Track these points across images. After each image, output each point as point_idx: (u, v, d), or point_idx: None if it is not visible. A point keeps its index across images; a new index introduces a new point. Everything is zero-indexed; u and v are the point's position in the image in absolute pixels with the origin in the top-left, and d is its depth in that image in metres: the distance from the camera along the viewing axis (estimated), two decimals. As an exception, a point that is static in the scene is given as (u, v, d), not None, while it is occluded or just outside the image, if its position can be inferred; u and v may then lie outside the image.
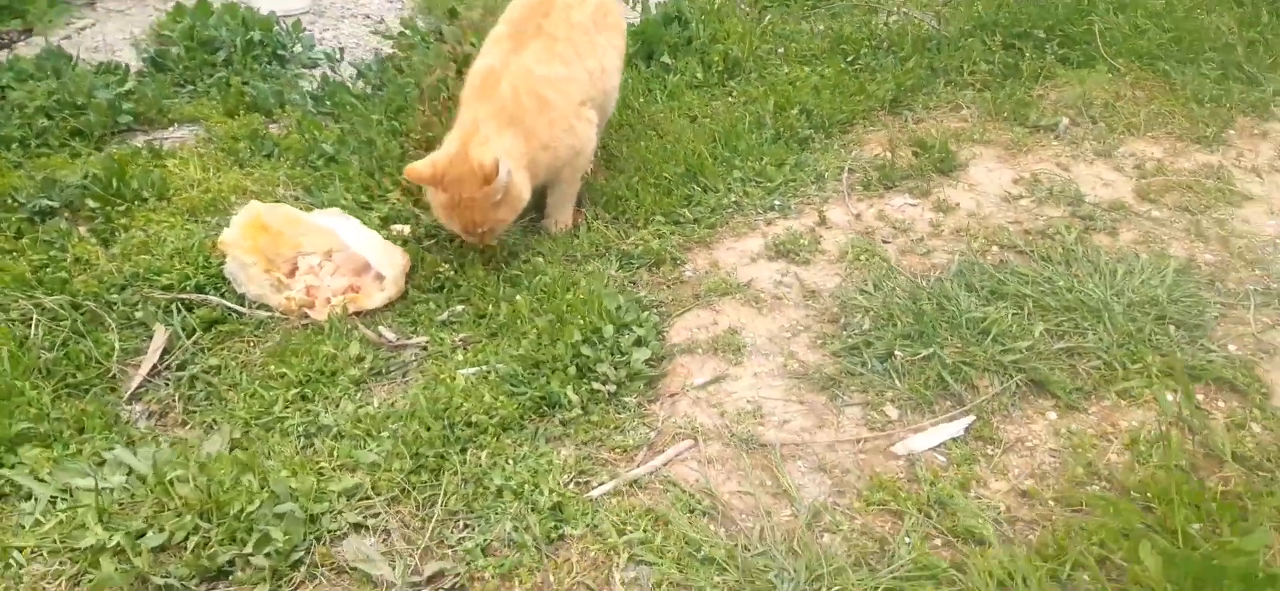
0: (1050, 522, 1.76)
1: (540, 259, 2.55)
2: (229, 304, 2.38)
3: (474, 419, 2.00)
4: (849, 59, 3.67)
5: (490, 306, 2.38)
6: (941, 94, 3.46)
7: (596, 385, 2.11)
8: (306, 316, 2.38)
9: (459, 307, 2.42)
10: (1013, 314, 2.24)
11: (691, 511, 1.80)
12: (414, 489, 1.86)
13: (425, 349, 2.28)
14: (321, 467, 1.89)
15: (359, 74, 3.67)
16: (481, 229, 2.41)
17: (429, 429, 1.97)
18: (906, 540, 1.72)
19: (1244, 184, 2.84)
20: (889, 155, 3.00)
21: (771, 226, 2.71)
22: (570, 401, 2.06)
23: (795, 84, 3.45)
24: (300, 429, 2.01)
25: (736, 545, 1.72)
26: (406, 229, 2.68)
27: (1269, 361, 2.13)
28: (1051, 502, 1.81)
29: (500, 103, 2.49)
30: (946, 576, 1.64)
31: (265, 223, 2.48)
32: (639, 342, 2.21)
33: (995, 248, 2.57)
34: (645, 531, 1.76)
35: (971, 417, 1.99)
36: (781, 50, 3.81)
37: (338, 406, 2.07)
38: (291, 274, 2.47)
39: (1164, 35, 3.69)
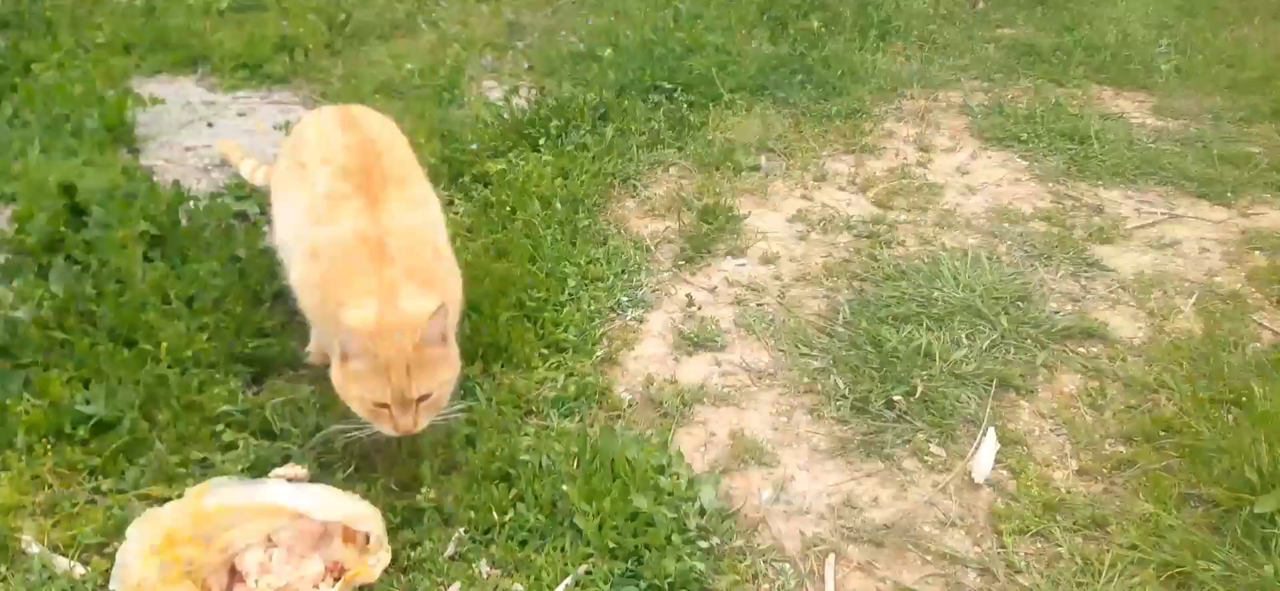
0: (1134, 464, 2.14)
1: (472, 427, 2.22)
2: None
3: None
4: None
5: (499, 511, 2.02)
6: (643, 158, 3.65)
7: (702, 543, 1.96)
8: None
9: (461, 532, 2.01)
10: (926, 331, 2.58)
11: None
12: None
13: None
14: None
15: None
16: (419, 396, 1.92)
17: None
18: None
19: (931, 175, 3.56)
20: (678, 225, 3.15)
21: (651, 334, 2.69)
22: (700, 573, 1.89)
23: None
24: None
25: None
26: (301, 469, 2.10)
27: (1099, 307, 2.78)
28: (1108, 462, 2.19)
29: (399, 263, 2.07)
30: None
31: (175, 533, 1.77)
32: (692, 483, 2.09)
33: (837, 280, 2.89)
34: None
35: (992, 429, 2.29)
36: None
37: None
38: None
39: (752, 67, 4.37)
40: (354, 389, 1.93)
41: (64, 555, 1.88)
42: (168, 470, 2.08)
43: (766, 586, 1.89)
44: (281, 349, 2.48)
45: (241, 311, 2.56)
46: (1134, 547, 1.92)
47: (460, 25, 5.47)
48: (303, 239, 2.23)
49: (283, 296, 2.65)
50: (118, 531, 1.92)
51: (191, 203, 3.03)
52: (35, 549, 1.89)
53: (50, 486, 2.04)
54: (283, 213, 2.40)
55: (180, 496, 1.94)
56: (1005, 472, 2.16)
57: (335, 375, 1.97)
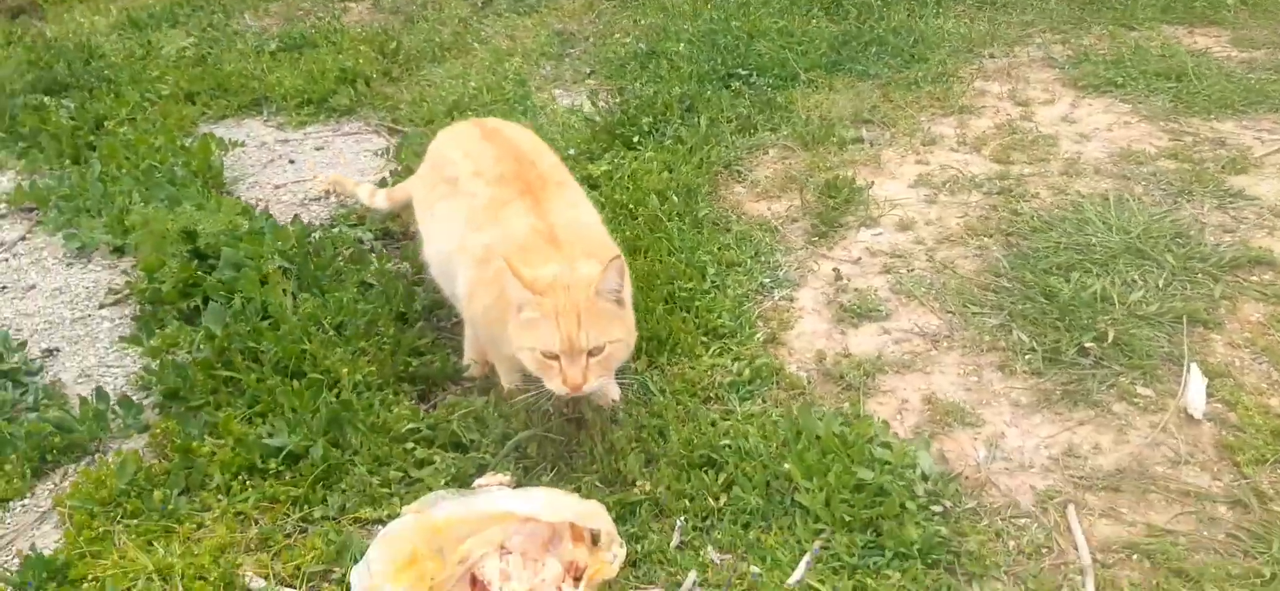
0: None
1: (659, 419, 2.16)
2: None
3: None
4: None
5: (712, 497, 1.97)
6: (740, 144, 3.59)
7: (934, 507, 1.90)
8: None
9: (680, 521, 1.95)
10: (1096, 278, 2.52)
11: None
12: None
13: None
14: None
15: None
16: (591, 344, 1.86)
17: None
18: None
19: (1040, 127, 3.51)
20: (800, 203, 3.10)
21: (805, 311, 2.64)
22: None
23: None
24: None
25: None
26: (505, 476, 2.04)
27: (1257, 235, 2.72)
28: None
29: (580, 250, 2.02)
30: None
31: (419, 550, 1.72)
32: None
33: (982, 238, 2.84)
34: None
35: (1194, 364, 2.22)
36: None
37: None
38: (476, 601, 1.75)
39: (821, 45, 4.33)
40: (526, 338, 1.88)
41: (290, 585, 1.83)
42: (371, 492, 2.03)
43: (1012, 543, 1.83)
44: (442, 364, 2.43)
45: (393, 333, 2.51)
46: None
47: (509, 40, 5.43)
48: (468, 249, 2.18)
49: (434, 313, 2.61)
50: (338, 557, 1.87)
51: (315, 234, 2.99)
52: (258, 583, 1.84)
53: (256, 521, 1.98)
54: (436, 228, 2.35)
55: (394, 516, 1.89)
56: (1220, 405, 2.10)
57: (511, 331, 1.93)
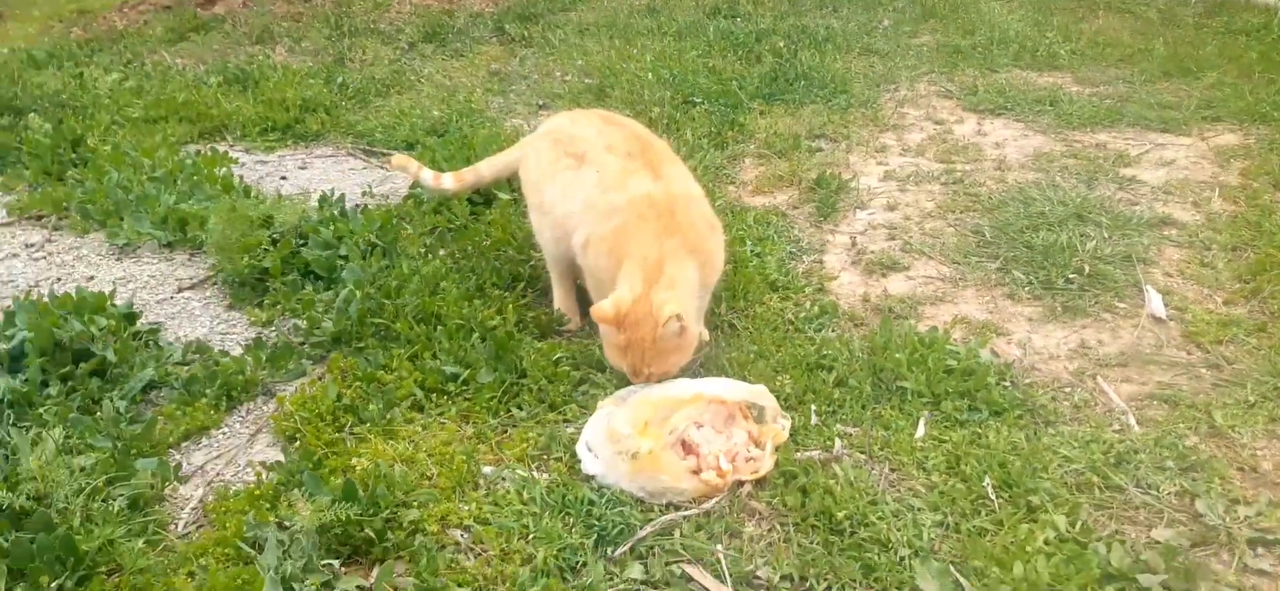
0: (1260, 291, 2.83)
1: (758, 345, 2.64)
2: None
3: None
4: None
5: (831, 391, 2.46)
6: (719, 155, 4.15)
7: (1005, 384, 2.48)
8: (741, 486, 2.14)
9: (812, 408, 2.42)
10: (1060, 234, 3.23)
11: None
12: None
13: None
14: None
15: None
16: (650, 372, 2.36)
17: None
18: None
19: (962, 140, 4.27)
20: (797, 195, 3.69)
21: (838, 268, 3.20)
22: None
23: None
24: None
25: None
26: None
27: (1156, 204, 3.52)
28: (1240, 293, 2.88)
29: (680, 233, 2.50)
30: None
31: (649, 418, 2.12)
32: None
33: (958, 214, 3.51)
34: None
35: (1149, 285, 2.94)
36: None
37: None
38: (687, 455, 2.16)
39: (755, 81, 5.00)
40: (607, 350, 2.40)
41: (507, 467, 2.15)
42: (551, 399, 2.38)
43: (1066, 403, 2.42)
44: (549, 318, 2.79)
45: (500, 291, 2.85)
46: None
47: (447, 79, 5.79)
48: (595, 206, 2.59)
49: (532, 281, 2.97)
50: (548, 446, 2.21)
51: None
52: (489, 470, 2.15)
53: (463, 426, 2.28)
54: (561, 193, 2.71)
55: (580, 418, 2.26)
56: (1175, 312, 2.81)
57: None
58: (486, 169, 3.13)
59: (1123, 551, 1.86)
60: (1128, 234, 3.25)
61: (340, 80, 5.50)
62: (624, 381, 2.41)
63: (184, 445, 2.25)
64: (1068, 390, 2.47)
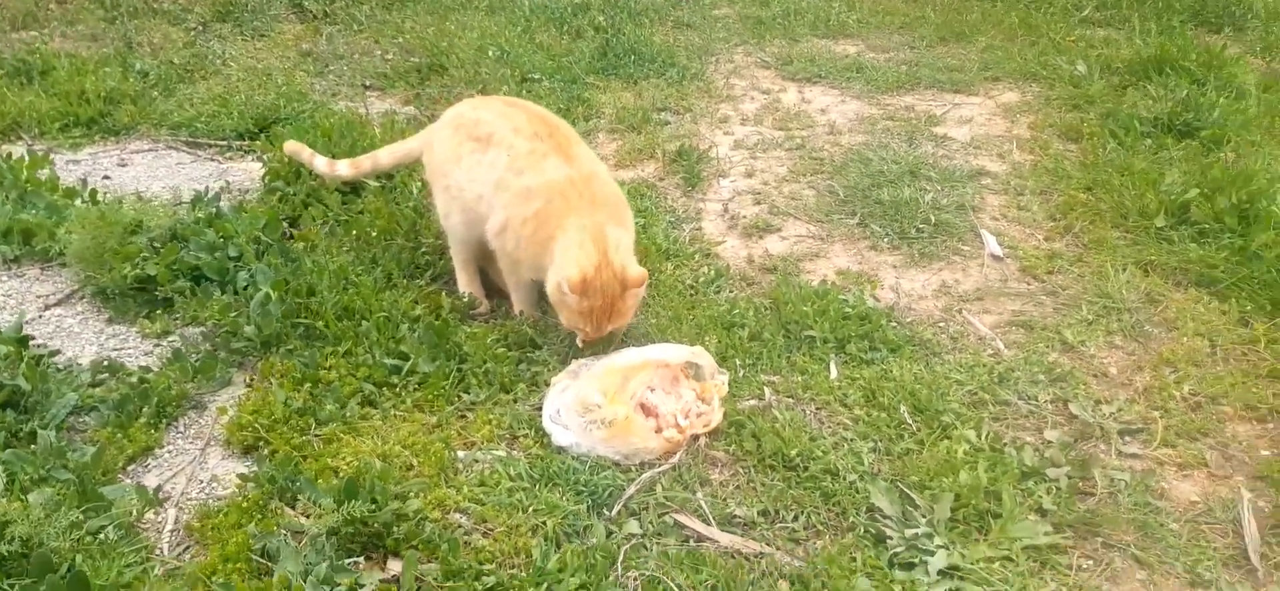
0: (1073, 226, 3.36)
1: (673, 308, 2.86)
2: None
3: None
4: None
5: (746, 345, 2.71)
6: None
7: (894, 323, 2.83)
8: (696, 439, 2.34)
9: (736, 362, 2.66)
10: (902, 189, 3.64)
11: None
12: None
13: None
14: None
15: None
16: (610, 328, 2.53)
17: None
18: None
19: (791, 107, 4.64)
20: (662, 167, 3.91)
21: (717, 234, 3.45)
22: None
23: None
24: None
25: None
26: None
27: (969, 158, 4.02)
28: (1057, 229, 3.39)
29: (604, 207, 2.67)
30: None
31: (614, 387, 2.27)
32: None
33: (810, 176, 3.85)
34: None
35: (984, 230, 3.39)
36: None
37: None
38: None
39: (586, 56, 5.17)
40: (565, 313, 2.51)
41: (480, 449, 2.24)
42: (502, 382, 2.47)
43: (943, 335, 2.79)
44: (462, 305, 2.86)
45: (406, 280, 2.88)
46: (1111, 255, 3.13)
47: (254, 61, 5.53)
48: (507, 187, 2.69)
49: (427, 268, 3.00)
50: (511, 429, 2.32)
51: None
52: (462, 454, 2.23)
53: (420, 416, 2.33)
54: (467, 177, 2.77)
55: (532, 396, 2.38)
56: (1008, 250, 3.27)
57: (550, 288, 2.52)
58: (386, 156, 3.11)
59: (1031, 452, 2.23)
60: (954, 186, 3.71)
61: (138, 67, 5.12)
62: (563, 357, 2.53)
63: (130, 468, 2.15)
64: (941, 324, 2.85)
